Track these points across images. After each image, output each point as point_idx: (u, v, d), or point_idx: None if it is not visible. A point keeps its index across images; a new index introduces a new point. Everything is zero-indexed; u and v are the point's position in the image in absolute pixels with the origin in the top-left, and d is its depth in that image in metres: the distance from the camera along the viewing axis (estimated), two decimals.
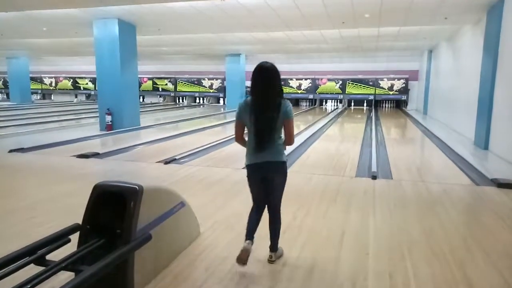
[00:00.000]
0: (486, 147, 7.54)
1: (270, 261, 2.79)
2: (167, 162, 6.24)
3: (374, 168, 5.80)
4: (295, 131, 2.83)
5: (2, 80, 26.65)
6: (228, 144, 8.32)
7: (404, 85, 19.98)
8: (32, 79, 24.63)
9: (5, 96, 26.50)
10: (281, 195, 2.80)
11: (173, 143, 8.37)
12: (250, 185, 2.81)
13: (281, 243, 2.92)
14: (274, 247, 2.82)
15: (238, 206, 4.08)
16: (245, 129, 2.77)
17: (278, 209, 2.82)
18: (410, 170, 5.92)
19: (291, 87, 21.71)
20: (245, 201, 4.21)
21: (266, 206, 2.83)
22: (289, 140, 2.72)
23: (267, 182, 2.72)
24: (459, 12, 8.72)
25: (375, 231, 3.41)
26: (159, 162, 6.29)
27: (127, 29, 10.47)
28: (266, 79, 2.60)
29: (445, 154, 7.27)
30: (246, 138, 2.78)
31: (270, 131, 2.60)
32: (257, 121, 2.60)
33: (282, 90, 2.69)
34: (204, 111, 18.99)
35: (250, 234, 2.74)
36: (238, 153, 7.59)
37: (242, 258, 2.59)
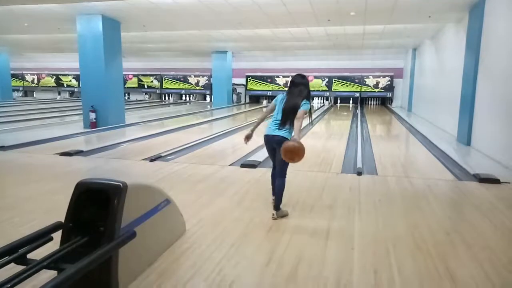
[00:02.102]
0: (468, 143, 7.70)
1: (273, 218, 3.57)
2: (152, 159, 6.18)
3: (359, 165, 5.86)
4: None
5: None
6: (214, 141, 8.30)
7: (389, 82, 20.25)
8: (13, 76, 24.10)
9: None
10: (284, 163, 3.56)
11: (158, 141, 8.29)
12: (266, 150, 3.83)
13: (266, 240, 2.98)
14: (276, 207, 3.61)
15: (224, 203, 4.07)
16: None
17: (281, 174, 3.63)
18: (395, 166, 6.00)
19: (278, 84, 21.76)
20: (231, 199, 4.23)
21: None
22: (296, 125, 3.54)
23: (274, 151, 3.65)
24: (442, 11, 8.86)
25: (360, 227, 3.44)
26: (144, 159, 6.23)
27: (111, 25, 10.31)
28: (296, 85, 3.69)
29: (428, 150, 7.40)
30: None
31: (288, 118, 3.58)
32: (284, 110, 3.61)
33: (306, 94, 3.68)
34: (190, 108, 18.87)
35: (274, 191, 3.71)
36: (225, 150, 7.60)
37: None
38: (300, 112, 3.54)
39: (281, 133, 3.56)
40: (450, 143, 8.09)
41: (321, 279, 2.52)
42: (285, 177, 3.64)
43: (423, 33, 12.64)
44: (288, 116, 3.58)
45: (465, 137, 7.80)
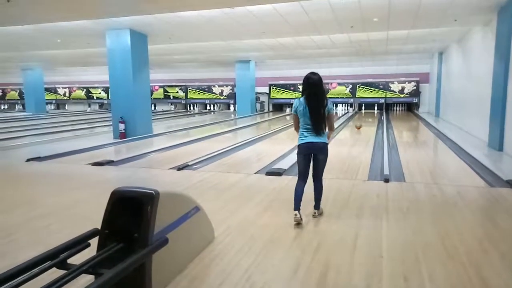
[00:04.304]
0: (500, 149, 7.45)
1: (314, 215, 3.81)
2: (180, 168, 6.32)
3: (386, 171, 5.78)
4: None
5: (18, 91, 27.31)
6: (239, 150, 8.39)
7: (415, 87, 19.85)
8: (47, 89, 25.16)
9: (21, 107, 27.13)
10: (324, 168, 3.80)
11: (185, 150, 8.46)
12: (299, 160, 3.80)
13: (293, 247, 3.04)
14: (317, 206, 3.84)
15: (250, 211, 4.12)
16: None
17: (322, 178, 3.81)
18: (423, 172, 5.89)
19: (301, 92, 21.72)
20: (258, 206, 4.28)
21: (312, 176, 3.79)
22: (331, 127, 3.82)
23: (314, 158, 3.73)
24: (469, 14, 8.67)
25: (388, 234, 3.41)
26: (172, 168, 6.37)
27: (139, 38, 10.67)
28: (314, 85, 3.63)
29: (458, 156, 7.21)
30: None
31: (322, 121, 3.65)
32: (312, 114, 3.61)
33: (325, 93, 3.73)
34: (215, 117, 19.12)
35: (297, 205, 3.63)
36: (250, 158, 7.66)
37: (296, 221, 3.58)
38: (332, 117, 3.77)
39: (322, 139, 3.69)
40: (481, 149, 7.86)
41: (350, 287, 2.52)
42: (322, 180, 3.87)
43: (449, 37, 12.37)
44: (323, 121, 3.66)
45: (497, 142, 7.56)
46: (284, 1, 7.44)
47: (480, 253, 2.99)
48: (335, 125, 4.00)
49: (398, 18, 9.06)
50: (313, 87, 3.63)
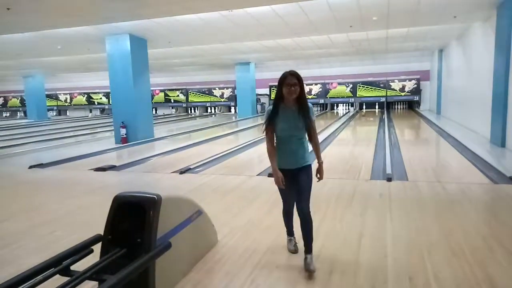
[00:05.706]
0: (503, 145, 7.43)
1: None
2: (182, 172, 6.31)
3: (388, 170, 5.76)
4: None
5: (19, 98, 27.41)
6: (241, 152, 8.38)
7: (415, 85, 19.82)
8: (48, 96, 25.26)
9: (22, 114, 27.23)
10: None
11: (187, 153, 8.46)
12: None
13: (298, 249, 3.00)
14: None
15: (254, 213, 4.11)
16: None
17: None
18: (426, 170, 5.87)
19: None
20: (260, 208, 4.27)
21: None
22: None
23: None
24: (468, 10, 8.66)
25: (392, 233, 3.39)
26: (174, 172, 6.37)
27: (139, 43, 10.69)
28: None
29: (461, 154, 7.18)
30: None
31: None
32: None
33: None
34: (216, 120, 19.13)
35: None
36: (252, 160, 7.66)
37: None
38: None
39: None
40: (483, 145, 7.83)
41: (355, 286, 2.51)
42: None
43: (449, 34, 12.35)
44: None
45: (499, 138, 7.53)
46: (282, 2, 7.44)
47: (485, 251, 2.97)
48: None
49: (397, 16, 9.05)
50: None
